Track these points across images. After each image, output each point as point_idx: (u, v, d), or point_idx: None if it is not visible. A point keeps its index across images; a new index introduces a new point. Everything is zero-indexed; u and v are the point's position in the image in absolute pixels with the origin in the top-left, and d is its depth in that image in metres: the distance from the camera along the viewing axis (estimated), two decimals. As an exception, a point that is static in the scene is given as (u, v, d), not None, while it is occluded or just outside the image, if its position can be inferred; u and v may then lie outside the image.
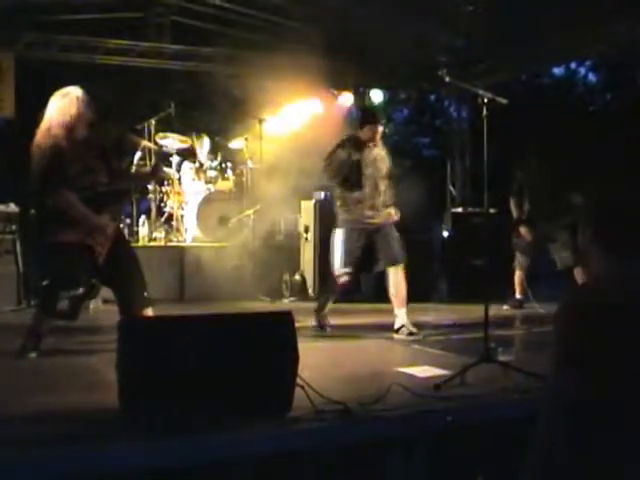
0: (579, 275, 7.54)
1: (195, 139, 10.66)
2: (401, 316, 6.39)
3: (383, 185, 6.55)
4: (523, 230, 8.10)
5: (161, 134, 10.37)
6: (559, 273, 7.89)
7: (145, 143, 10.09)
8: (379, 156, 6.61)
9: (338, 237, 6.56)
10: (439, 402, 3.89)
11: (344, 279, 6.52)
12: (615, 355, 2.25)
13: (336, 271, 6.53)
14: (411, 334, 6.28)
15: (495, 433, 3.76)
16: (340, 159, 6.45)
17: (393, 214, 6.58)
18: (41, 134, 5.20)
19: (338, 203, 6.64)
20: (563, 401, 2.29)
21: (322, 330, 6.58)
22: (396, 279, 6.46)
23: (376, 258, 6.52)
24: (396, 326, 6.37)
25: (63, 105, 5.23)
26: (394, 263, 6.48)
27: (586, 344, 2.30)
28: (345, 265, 6.46)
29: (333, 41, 10.36)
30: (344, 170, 6.43)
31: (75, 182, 5.12)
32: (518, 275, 8.27)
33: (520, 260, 8.26)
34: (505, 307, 8.08)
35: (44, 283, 5.34)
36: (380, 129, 6.62)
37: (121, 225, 5.98)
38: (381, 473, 3.53)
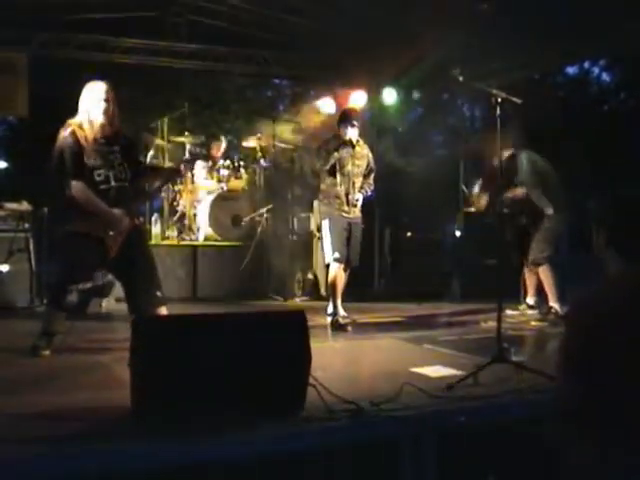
0: None
1: (208, 138, 10.67)
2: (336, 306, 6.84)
3: (359, 182, 6.88)
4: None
5: (173, 137, 10.38)
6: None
7: (158, 141, 10.11)
8: (359, 154, 6.91)
9: (325, 227, 6.89)
10: (451, 402, 3.88)
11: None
12: (610, 353, 2.27)
13: (327, 259, 6.87)
14: (340, 325, 6.70)
15: (507, 433, 3.74)
16: (328, 151, 6.80)
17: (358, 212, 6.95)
18: (66, 125, 5.21)
19: (320, 197, 7.02)
20: (563, 405, 2.32)
21: None
22: (342, 276, 6.89)
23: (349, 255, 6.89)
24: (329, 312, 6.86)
25: (88, 98, 5.24)
26: (354, 265, 6.94)
27: (584, 345, 2.32)
28: (334, 250, 6.77)
29: (347, 40, 10.34)
30: (329, 162, 6.75)
31: (92, 175, 5.13)
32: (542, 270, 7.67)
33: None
34: (521, 307, 7.97)
35: (53, 277, 5.33)
36: (350, 129, 6.82)
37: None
38: (393, 473, 3.52)
